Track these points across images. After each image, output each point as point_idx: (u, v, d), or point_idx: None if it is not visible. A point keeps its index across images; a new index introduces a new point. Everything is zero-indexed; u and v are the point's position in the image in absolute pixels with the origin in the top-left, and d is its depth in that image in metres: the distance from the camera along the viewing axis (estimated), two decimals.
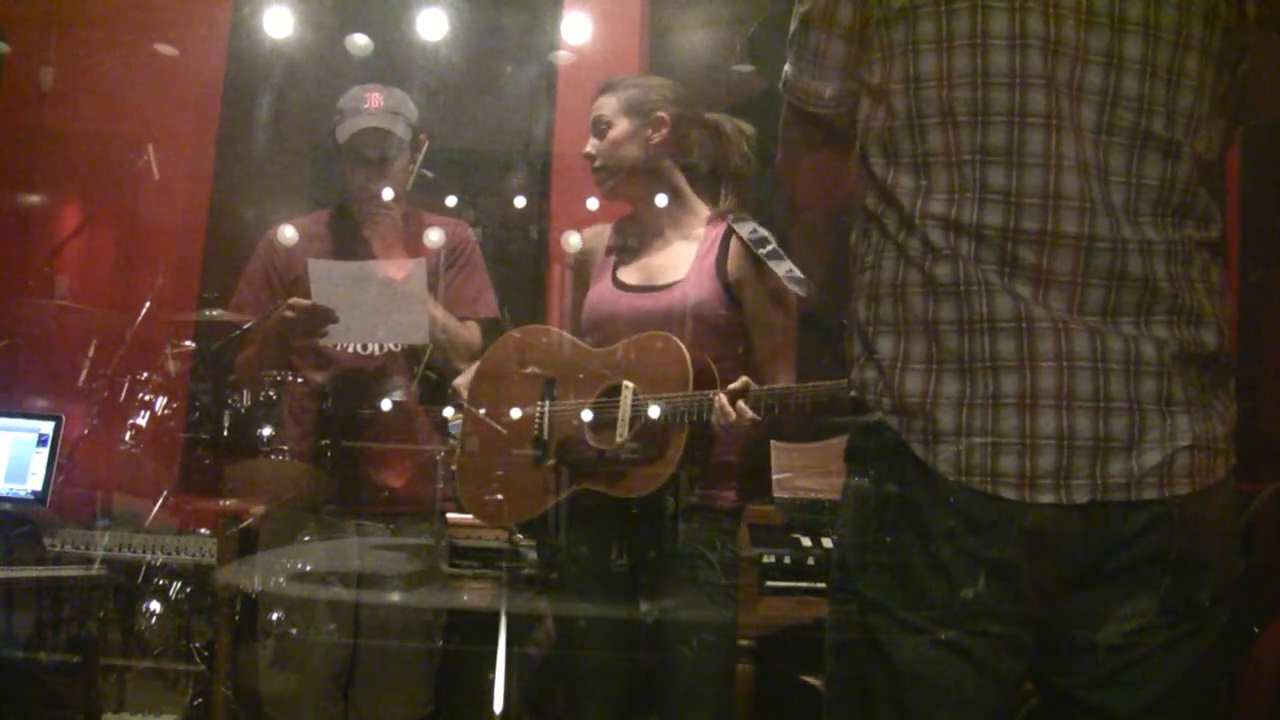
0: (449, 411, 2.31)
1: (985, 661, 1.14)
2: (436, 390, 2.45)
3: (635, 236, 2.16)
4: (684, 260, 2.08)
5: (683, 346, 1.92)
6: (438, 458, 2.47)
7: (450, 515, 2.54)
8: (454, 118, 3.52)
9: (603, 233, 2.23)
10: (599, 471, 1.96)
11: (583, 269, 2.24)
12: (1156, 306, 1.13)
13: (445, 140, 3.29)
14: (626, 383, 1.94)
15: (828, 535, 2.68)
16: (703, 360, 1.93)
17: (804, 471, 2.80)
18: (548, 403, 2.05)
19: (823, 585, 2.56)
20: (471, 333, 2.42)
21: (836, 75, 1.26)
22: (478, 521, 2.44)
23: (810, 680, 2.57)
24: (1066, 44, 1.13)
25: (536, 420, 2.06)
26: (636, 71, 3.60)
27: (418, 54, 3.51)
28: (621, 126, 2.11)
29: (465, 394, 2.20)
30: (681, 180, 2.14)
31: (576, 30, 3.64)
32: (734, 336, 2.05)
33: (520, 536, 2.38)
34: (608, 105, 2.13)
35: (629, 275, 2.13)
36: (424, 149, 2.52)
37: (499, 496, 2.11)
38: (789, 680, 2.63)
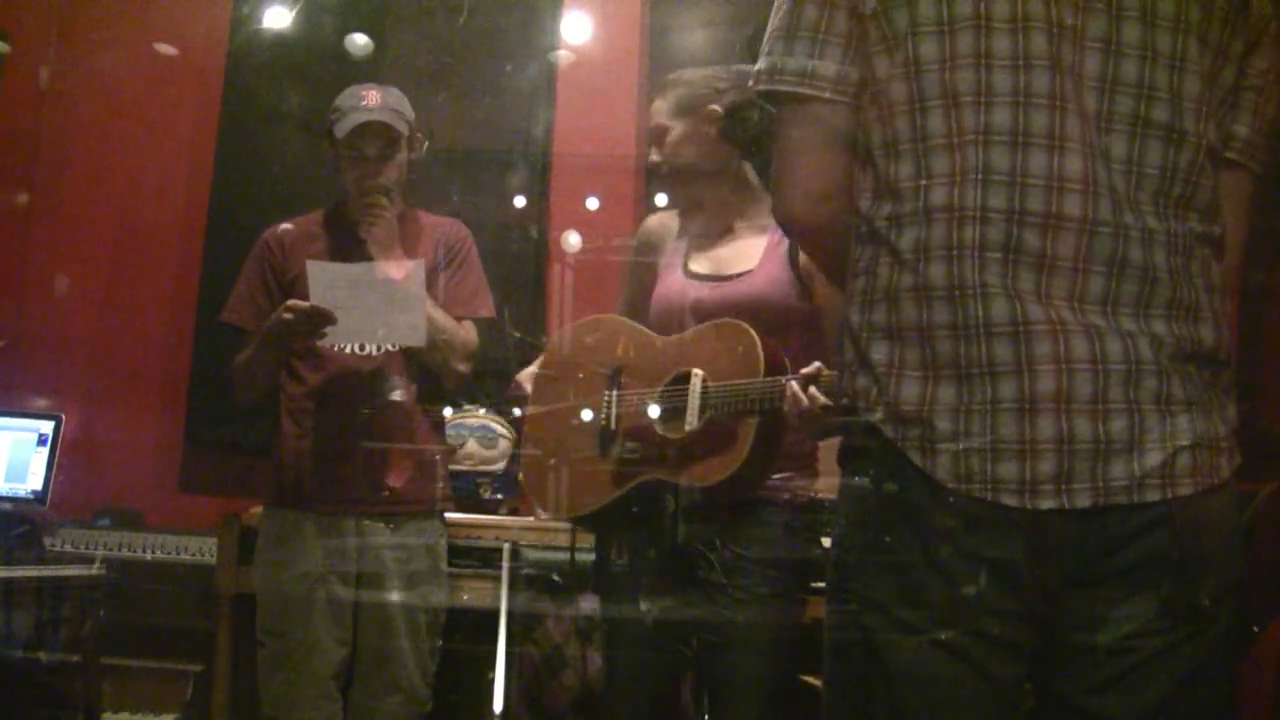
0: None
1: (985, 664, 1.13)
2: (435, 390, 2.45)
3: (703, 227, 2.11)
4: (753, 251, 2.03)
5: (754, 334, 1.86)
6: (437, 457, 2.47)
7: (450, 515, 2.54)
8: (454, 118, 3.52)
9: (669, 222, 2.18)
10: (667, 461, 1.92)
11: (647, 255, 2.19)
12: (1155, 299, 1.12)
13: (445, 140, 3.29)
14: (696, 370, 1.89)
15: (827, 535, 2.67)
16: (774, 348, 1.87)
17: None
18: (614, 393, 2.02)
19: (822, 585, 2.55)
20: (468, 332, 2.41)
21: (839, 53, 1.19)
22: (541, 516, 2.42)
23: (810, 680, 2.57)
24: (1068, 28, 1.12)
25: (604, 411, 2.02)
26: (637, 71, 3.60)
27: (418, 54, 3.51)
28: (677, 130, 2.06)
29: (529, 386, 2.18)
30: (747, 169, 2.08)
31: (576, 30, 3.63)
32: (806, 327, 1.99)
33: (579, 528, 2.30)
34: (661, 111, 2.08)
35: (699, 265, 2.08)
36: (424, 149, 2.52)
37: (565, 488, 2.08)
38: (789, 680, 2.63)
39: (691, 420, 1.87)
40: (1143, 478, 1.09)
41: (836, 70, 1.19)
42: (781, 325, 1.95)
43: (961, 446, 1.10)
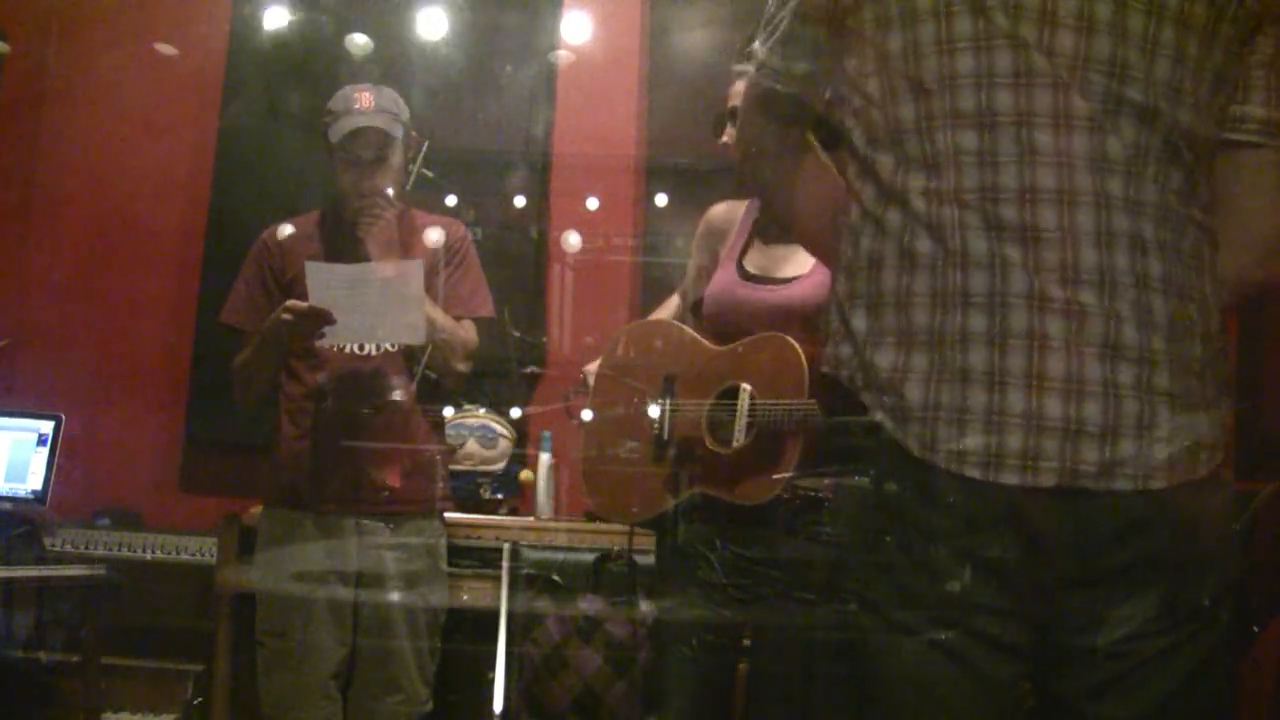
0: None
1: (965, 656, 1.11)
2: (435, 390, 2.45)
3: (764, 221, 2.08)
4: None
5: (799, 349, 1.85)
6: (437, 457, 2.47)
7: (450, 515, 2.54)
8: (454, 118, 3.52)
9: (733, 212, 2.16)
10: (716, 475, 1.92)
11: (709, 244, 2.17)
12: (1145, 275, 1.09)
13: (445, 140, 3.29)
14: (744, 385, 1.89)
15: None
16: (820, 363, 1.86)
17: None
18: (668, 401, 2.02)
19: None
20: (468, 332, 2.41)
21: (809, 56, 1.26)
22: (597, 519, 2.41)
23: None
24: (1031, 8, 1.12)
25: (657, 419, 2.03)
26: (637, 71, 3.60)
27: (418, 54, 3.51)
28: None
29: (592, 381, 2.18)
30: None
31: (576, 30, 3.64)
32: None
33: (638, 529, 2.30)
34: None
35: (753, 263, 2.06)
36: (423, 149, 2.51)
37: (622, 492, 2.09)
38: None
39: (739, 436, 1.87)
40: (1114, 464, 1.07)
41: (807, 69, 1.27)
42: None
43: (929, 415, 1.10)
